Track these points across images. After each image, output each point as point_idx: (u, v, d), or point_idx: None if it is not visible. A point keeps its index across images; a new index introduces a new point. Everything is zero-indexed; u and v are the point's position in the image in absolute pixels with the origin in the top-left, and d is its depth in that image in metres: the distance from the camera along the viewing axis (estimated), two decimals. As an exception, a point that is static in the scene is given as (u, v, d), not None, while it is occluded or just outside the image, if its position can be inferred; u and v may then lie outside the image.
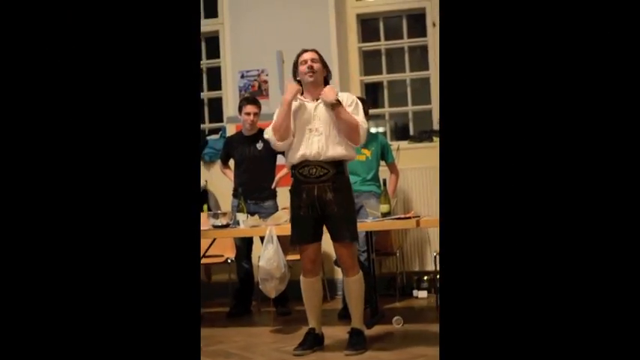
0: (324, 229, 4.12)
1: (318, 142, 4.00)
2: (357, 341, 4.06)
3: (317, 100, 4.07)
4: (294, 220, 4.13)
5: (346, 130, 3.99)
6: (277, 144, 4.07)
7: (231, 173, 5.78)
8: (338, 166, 4.04)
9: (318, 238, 4.14)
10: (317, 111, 4.05)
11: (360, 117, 4.05)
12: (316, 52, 4.16)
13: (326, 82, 4.17)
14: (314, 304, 4.23)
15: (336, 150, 4.02)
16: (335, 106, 3.96)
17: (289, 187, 4.16)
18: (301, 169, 4.04)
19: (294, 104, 4.07)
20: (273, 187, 5.44)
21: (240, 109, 5.68)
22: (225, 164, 5.86)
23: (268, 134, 4.12)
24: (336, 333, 4.30)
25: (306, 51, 4.16)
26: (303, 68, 4.10)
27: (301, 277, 4.22)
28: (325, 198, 4.00)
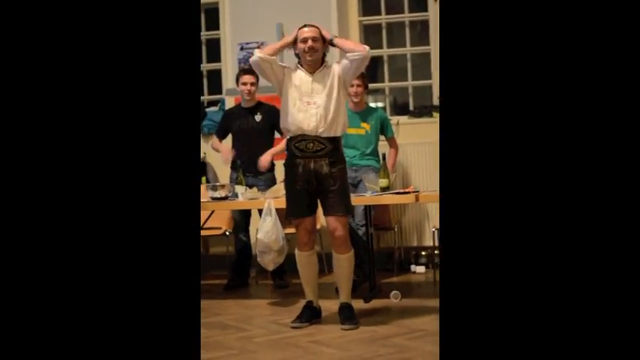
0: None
1: (316, 115, 3.99)
2: (351, 315, 4.09)
3: (313, 73, 4.06)
4: (290, 193, 4.12)
5: (354, 51, 4.02)
6: (258, 54, 4.03)
7: (223, 146, 5.72)
8: (334, 141, 4.05)
9: (313, 211, 4.15)
10: (314, 84, 4.04)
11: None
12: (317, 28, 4.09)
13: (323, 57, 4.13)
14: (310, 278, 4.25)
15: (333, 126, 4.02)
16: (332, 43, 4.06)
17: (283, 161, 4.17)
18: (297, 143, 4.03)
19: (293, 72, 4.09)
20: (263, 166, 5.42)
21: (237, 80, 5.65)
22: (220, 138, 5.78)
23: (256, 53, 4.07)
24: (334, 306, 4.30)
25: (307, 26, 4.09)
26: (302, 46, 4.04)
27: (297, 251, 4.22)
28: (322, 172, 4.00)
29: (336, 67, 4.08)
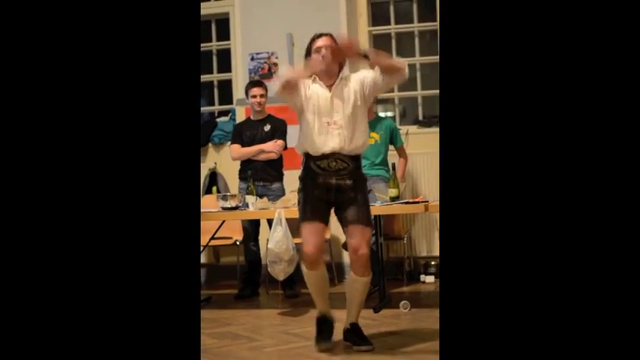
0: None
1: (339, 136, 3.68)
2: (364, 335, 3.81)
3: (331, 87, 3.74)
4: (307, 199, 3.77)
5: (392, 70, 3.68)
6: (281, 92, 3.75)
7: (256, 147, 5.63)
8: (356, 160, 3.78)
9: (327, 220, 3.85)
10: (334, 100, 3.73)
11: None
12: (331, 37, 3.82)
13: (340, 68, 3.82)
14: (324, 291, 3.91)
15: (357, 144, 3.72)
16: (366, 56, 3.73)
17: (299, 175, 3.87)
18: (318, 161, 3.72)
19: (310, 88, 3.77)
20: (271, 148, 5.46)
21: (246, 93, 5.70)
22: (240, 144, 5.69)
23: (279, 78, 3.79)
24: (345, 317, 4.29)
25: (320, 36, 3.82)
26: (317, 56, 3.76)
27: (306, 270, 3.83)
28: (343, 185, 3.72)
29: (356, 78, 3.80)
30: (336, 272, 6.07)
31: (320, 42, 3.78)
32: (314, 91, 3.77)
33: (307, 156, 3.77)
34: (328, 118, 3.70)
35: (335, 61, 3.76)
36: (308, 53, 3.85)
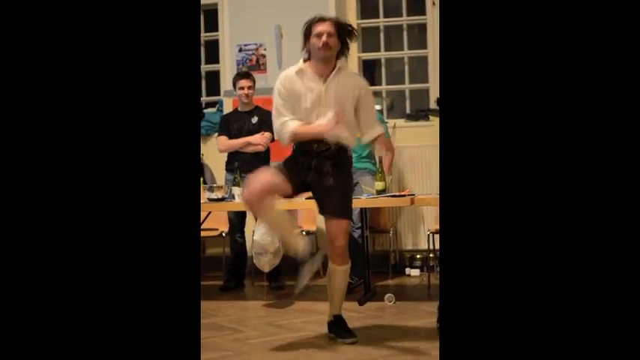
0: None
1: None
2: (348, 328, 3.80)
3: (326, 80, 3.63)
4: (287, 164, 3.70)
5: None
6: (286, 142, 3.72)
7: (243, 139, 5.62)
8: (342, 147, 3.68)
9: (293, 185, 3.66)
10: (327, 94, 3.61)
11: (374, 115, 3.85)
12: (333, 23, 3.65)
13: (339, 56, 3.69)
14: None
15: (343, 136, 3.63)
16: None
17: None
18: (302, 144, 3.66)
19: (303, 83, 3.64)
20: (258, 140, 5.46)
21: (234, 85, 5.68)
22: (228, 136, 5.68)
23: (282, 133, 3.68)
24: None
25: (322, 20, 3.63)
26: (317, 42, 3.58)
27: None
28: (323, 169, 3.63)
29: (358, 89, 3.70)
30: (321, 265, 6.08)
31: (322, 27, 3.60)
32: (305, 89, 3.63)
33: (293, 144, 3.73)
34: (318, 111, 3.61)
35: (334, 51, 3.63)
36: (307, 37, 3.65)
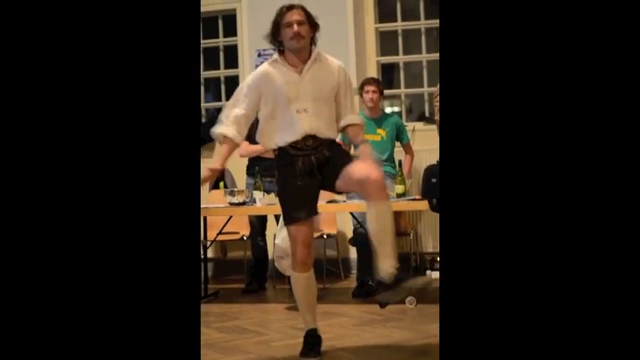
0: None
1: (308, 121, 3.39)
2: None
3: (301, 71, 3.41)
4: (288, 193, 3.46)
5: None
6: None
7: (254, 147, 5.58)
8: (332, 140, 3.51)
9: (315, 211, 3.51)
10: (303, 86, 3.39)
11: (351, 105, 3.58)
12: (302, 8, 3.41)
13: (313, 43, 3.45)
14: (313, 302, 3.63)
15: (329, 133, 3.47)
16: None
17: (274, 164, 3.57)
18: (294, 144, 3.41)
19: (279, 78, 3.41)
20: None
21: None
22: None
23: (220, 123, 3.55)
24: (351, 311, 4.35)
25: (290, 9, 3.39)
26: (288, 32, 3.34)
27: (294, 274, 3.54)
28: (322, 158, 3.41)
29: (337, 74, 3.48)
30: (342, 267, 6.12)
31: (291, 16, 3.37)
32: (279, 79, 3.41)
33: (278, 149, 3.49)
34: (297, 105, 3.39)
35: (308, 39, 3.41)
36: (276, 29, 3.42)
